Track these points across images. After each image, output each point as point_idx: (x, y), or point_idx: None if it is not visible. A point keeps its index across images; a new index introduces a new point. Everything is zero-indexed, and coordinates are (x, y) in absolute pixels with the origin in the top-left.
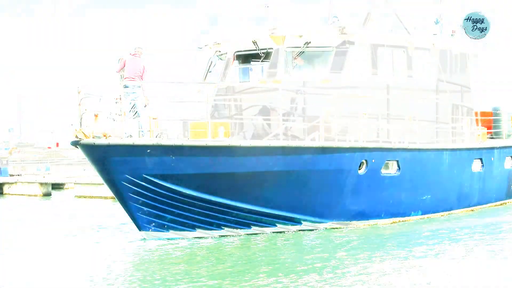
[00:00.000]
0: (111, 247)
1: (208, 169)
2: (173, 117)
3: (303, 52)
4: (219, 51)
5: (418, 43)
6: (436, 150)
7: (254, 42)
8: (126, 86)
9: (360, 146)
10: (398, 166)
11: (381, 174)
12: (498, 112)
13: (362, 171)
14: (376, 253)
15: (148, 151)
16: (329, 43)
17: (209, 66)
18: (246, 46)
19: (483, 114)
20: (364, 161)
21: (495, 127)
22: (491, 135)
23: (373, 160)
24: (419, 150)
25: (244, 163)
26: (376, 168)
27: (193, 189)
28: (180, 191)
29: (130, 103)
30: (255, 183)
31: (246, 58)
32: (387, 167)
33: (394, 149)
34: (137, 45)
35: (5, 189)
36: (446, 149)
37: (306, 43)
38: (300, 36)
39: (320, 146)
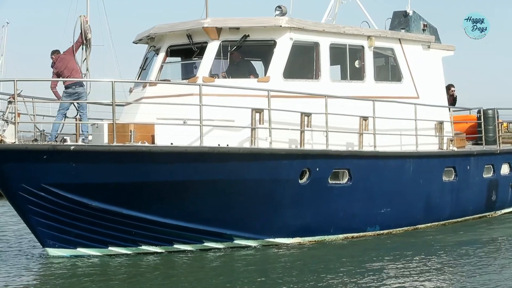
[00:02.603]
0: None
1: (116, 178)
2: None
3: (240, 46)
4: (154, 46)
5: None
6: (397, 157)
7: (188, 36)
8: (67, 87)
9: (300, 153)
10: (350, 175)
11: (328, 184)
12: (479, 115)
13: (304, 181)
14: (320, 275)
15: (45, 157)
16: (270, 37)
17: (143, 63)
18: (180, 40)
19: (462, 118)
20: (307, 170)
21: (479, 132)
22: (475, 141)
23: (317, 169)
24: (375, 157)
25: (159, 171)
26: (321, 177)
27: (100, 201)
28: (85, 203)
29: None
30: (174, 195)
31: (180, 53)
32: (336, 176)
33: (344, 156)
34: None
35: None
36: (410, 156)
37: (244, 36)
38: (237, 29)
39: (249, 152)
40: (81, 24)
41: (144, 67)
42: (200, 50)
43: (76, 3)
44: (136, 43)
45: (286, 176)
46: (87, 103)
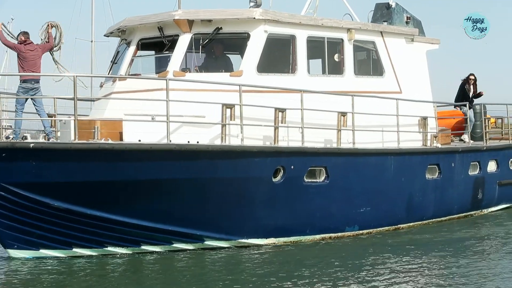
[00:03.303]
0: None
1: (79, 177)
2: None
3: (213, 39)
4: (125, 39)
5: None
6: (377, 155)
7: (160, 28)
8: (24, 81)
9: (273, 150)
10: (327, 173)
11: (304, 183)
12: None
13: (278, 179)
14: (294, 278)
15: (4, 155)
16: (243, 29)
17: (115, 57)
18: (152, 33)
19: (448, 113)
20: (281, 168)
21: (466, 128)
22: (460, 138)
23: (292, 167)
24: (354, 154)
25: (124, 170)
26: (296, 175)
27: (63, 201)
28: (47, 203)
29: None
30: (140, 194)
31: (151, 46)
32: (312, 174)
33: (321, 153)
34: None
35: None
36: (391, 153)
37: (216, 29)
38: (210, 21)
39: (219, 149)
40: (47, 30)
41: (116, 61)
42: (171, 43)
43: (81, 1)
44: (108, 36)
45: (258, 174)
46: (50, 98)
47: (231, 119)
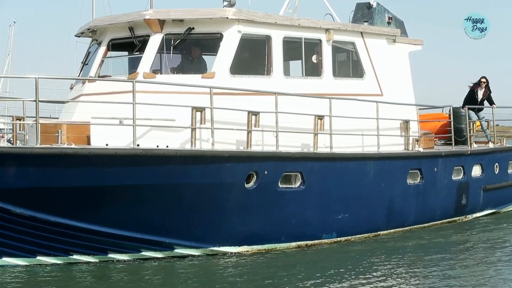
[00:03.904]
0: None
1: (41, 183)
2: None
3: (185, 40)
4: (96, 40)
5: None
6: (356, 159)
7: (130, 29)
8: None
9: (245, 155)
10: (303, 178)
11: (279, 189)
12: (449, 114)
13: (250, 185)
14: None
15: None
16: (216, 29)
17: (86, 57)
18: (122, 34)
19: (433, 116)
20: (254, 173)
21: (450, 131)
22: (446, 141)
23: (265, 172)
24: (331, 159)
25: (88, 175)
26: (270, 181)
27: (25, 207)
28: (8, 210)
29: None
30: (106, 200)
31: (123, 47)
32: (287, 179)
33: (296, 158)
34: None
35: None
36: (370, 158)
37: (188, 29)
38: (182, 21)
39: (188, 154)
40: None
41: (86, 62)
42: (142, 43)
43: (81, 2)
44: (79, 37)
45: (230, 180)
46: (18, 100)
47: (201, 123)
